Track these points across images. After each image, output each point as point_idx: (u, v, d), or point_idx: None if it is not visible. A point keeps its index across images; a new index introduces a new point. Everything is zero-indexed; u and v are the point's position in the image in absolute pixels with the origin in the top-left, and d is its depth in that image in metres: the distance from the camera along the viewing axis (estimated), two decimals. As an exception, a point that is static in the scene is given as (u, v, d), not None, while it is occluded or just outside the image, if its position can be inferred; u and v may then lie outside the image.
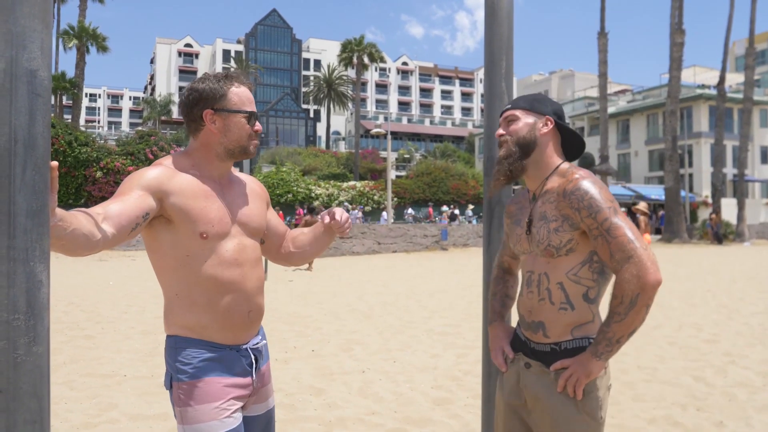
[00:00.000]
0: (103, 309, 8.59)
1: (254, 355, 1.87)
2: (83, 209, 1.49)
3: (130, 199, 1.63)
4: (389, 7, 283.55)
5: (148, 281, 12.01)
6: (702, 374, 5.26)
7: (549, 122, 1.90)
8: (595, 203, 1.72)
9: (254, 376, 1.86)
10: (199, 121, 1.80)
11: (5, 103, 1.05)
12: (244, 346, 1.85)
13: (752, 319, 8.09)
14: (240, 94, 1.82)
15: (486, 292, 2.15)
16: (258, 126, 1.86)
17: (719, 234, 29.27)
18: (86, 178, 27.11)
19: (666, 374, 5.24)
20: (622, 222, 1.70)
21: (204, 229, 1.75)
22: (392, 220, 27.80)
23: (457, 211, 33.17)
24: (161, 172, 1.74)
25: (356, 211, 31.08)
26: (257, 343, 1.91)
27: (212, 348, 1.79)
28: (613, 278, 1.85)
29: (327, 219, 1.99)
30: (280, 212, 28.82)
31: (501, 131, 1.95)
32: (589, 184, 1.76)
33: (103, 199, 27.47)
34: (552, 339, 1.83)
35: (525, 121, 1.91)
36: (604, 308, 1.79)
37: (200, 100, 1.79)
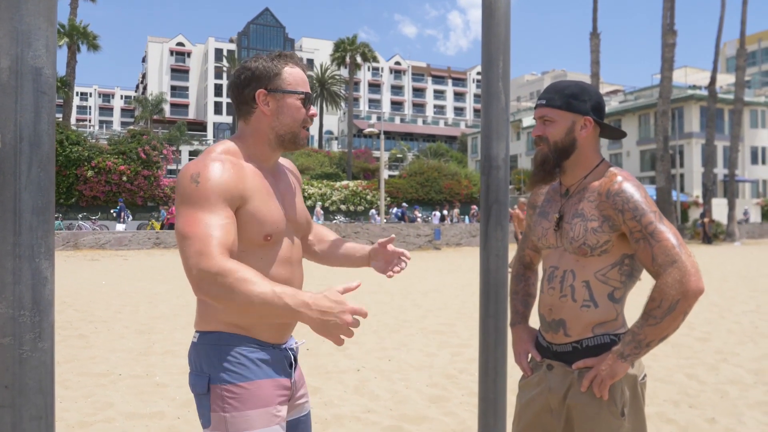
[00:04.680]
0: (96, 309, 8.55)
1: (293, 354, 1.77)
2: (247, 269, 1.42)
3: (228, 224, 1.51)
4: (382, 6, 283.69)
5: (141, 281, 11.97)
6: (694, 372, 5.30)
7: (588, 123, 1.83)
8: (640, 206, 1.70)
9: (293, 376, 1.75)
10: (250, 103, 1.66)
11: (11, 101, 1.05)
12: (284, 345, 1.74)
13: (743, 317, 8.16)
14: (295, 75, 1.68)
15: (483, 288, 2.15)
16: (313, 110, 1.73)
17: (708, 235, 29.48)
18: (77, 177, 26.96)
19: (659, 372, 5.28)
20: (666, 227, 1.68)
21: (270, 230, 1.63)
22: (384, 221, 27.78)
23: (446, 212, 33.18)
24: (234, 171, 1.57)
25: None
26: (293, 344, 1.80)
27: (260, 346, 1.65)
28: (638, 282, 1.84)
29: (389, 248, 1.91)
30: (173, 207, 25.29)
31: (538, 132, 1.87)
32: (633, 187, 1.74)
33: (95, 198, 27.28)
34: (573, 337, 1.81)
35: (562, 123, 1.83)
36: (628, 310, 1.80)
37: (252, 80, 1.65)
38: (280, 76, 1.66)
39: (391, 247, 1.93)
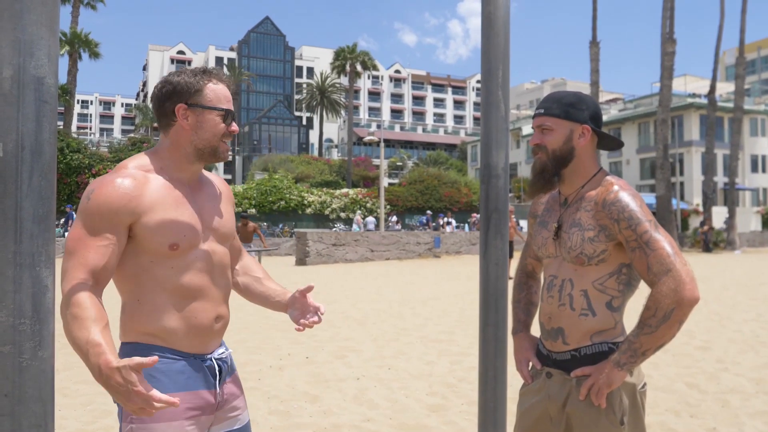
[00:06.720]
0: (95, 316, 8.53)
1: (218, 365, 1.74)
2: (92, 301, 1.46)
3: (106, 247, 1.55)
4: (382, 15, 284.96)
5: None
6: (695, 381, 5.29)
7: (586, 131, 1.84)
8: (636, 215, 1.71)
9: (218, 388, 1.72)
10: (170, 116, 1.67)
11: (13, 110, 1.06)
12: (209, 356, 1.72)
13: (744, 326, 8.15)
14: (217, 91, 1.70)
15: (483, 296, 2.16)
16: (234, 127, 1.73)
17: (708, 244, 29.51)
18: (78, 185, 27.05)
19: (659, 381, 5.27)
20: (661, 236, 1.69)
21: (175, 240, 1.63)
22: (383, 228, 27.78)
23: (449, 220, 33.26)
24: (130, 187, 1.59)
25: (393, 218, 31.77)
26: (222, 353, 1.78)
27: (176, 357, 1.65)
28: (637, 290, 1.84)
29: (308, 297, 1.88)
30: None
31: (536, 140, 1.88)
32: (629, 196, 1.75)
33: (95, 206, 27.25)
34: (571, 345, 1.82)
35: (560, 132, 1.84)
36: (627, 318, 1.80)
37: (174, 94, 1.66)
38: (201, 92, 1.67)
39: (309, 298, 1.90)
